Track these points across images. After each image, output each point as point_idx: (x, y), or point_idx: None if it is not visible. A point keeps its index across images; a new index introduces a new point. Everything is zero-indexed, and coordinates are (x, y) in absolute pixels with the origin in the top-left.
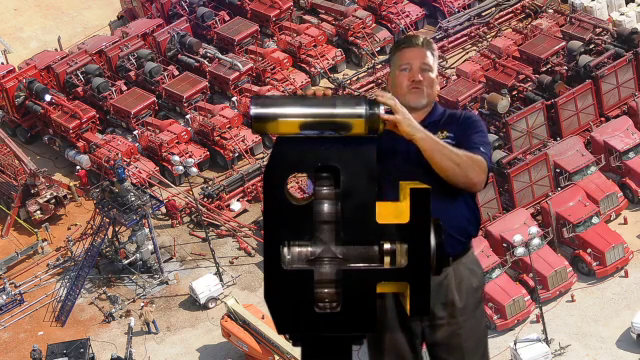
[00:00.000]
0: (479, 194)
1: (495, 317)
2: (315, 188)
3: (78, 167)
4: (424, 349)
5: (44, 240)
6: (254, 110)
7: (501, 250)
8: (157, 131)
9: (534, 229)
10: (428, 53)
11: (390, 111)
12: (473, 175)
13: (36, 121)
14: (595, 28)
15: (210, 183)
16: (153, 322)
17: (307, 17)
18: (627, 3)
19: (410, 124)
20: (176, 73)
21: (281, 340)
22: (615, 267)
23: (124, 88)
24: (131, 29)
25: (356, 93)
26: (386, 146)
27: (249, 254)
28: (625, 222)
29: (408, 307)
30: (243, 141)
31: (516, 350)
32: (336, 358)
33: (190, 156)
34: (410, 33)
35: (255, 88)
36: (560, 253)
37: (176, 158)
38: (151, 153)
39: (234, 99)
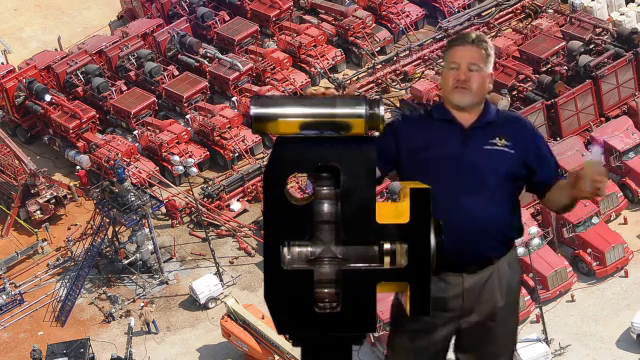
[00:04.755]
0: None
1: None
2: (315, 188)
3: (78, 167)
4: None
5: (44, 240)
6: (254, 110)
7: None
8: (157, 131)
9: (534, 229)
10: (479, 51)
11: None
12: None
13: (36, 121)
14: (595, 28)
15: (210, 183)
16: (153, 322)
17: (307, 17)
18: (627, 3)
19: None
20: (176, 73)
21: (281, 340)
22: (615, 267)
23: (124, 88)
24: (131, 29)
25: (356, 93)
26: (435, 146)
27: (249, 254)
28: (625, 222)
29: (408, 307)
30: (243, 141)
31: (516, 350)
32: (336, 358)
33: (190, 156)
34: (464, 31)
35: (255, 88)
36: (560, 253)
37: (176, 158)
38: (151, 153)
39: (234, 99)
